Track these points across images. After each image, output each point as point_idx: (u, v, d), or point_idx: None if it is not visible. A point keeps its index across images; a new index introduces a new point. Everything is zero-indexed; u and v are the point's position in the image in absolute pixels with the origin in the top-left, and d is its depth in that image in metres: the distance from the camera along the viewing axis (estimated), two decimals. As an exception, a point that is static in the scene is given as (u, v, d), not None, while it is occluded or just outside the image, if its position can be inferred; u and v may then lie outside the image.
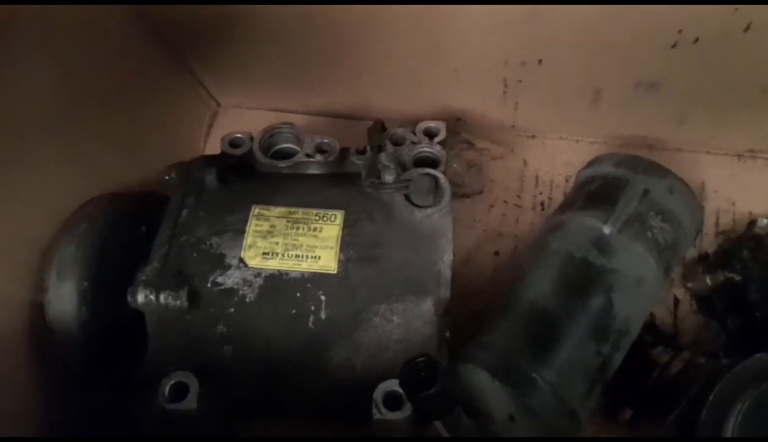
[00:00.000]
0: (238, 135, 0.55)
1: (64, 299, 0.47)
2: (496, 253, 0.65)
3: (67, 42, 0.50)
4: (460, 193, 0.63)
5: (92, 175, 0.54)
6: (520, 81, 0.61)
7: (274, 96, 0.73)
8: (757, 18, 0.48)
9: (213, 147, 0.72)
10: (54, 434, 0.49)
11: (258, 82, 0.71)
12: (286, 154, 0.54)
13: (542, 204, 0.67)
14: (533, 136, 0.70)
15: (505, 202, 0.67)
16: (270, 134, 0.54)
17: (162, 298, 0.44)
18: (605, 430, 0.55)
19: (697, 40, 0.51)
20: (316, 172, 0.53)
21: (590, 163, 0.58)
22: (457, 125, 0.67)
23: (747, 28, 0.49)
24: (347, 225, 0.47)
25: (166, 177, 0.51)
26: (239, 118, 0.74)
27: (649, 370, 0.54)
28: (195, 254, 0.46)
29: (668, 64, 0.54)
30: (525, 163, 0.69)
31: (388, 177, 0.48)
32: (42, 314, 0.48)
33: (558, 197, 0.66)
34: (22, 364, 0.49)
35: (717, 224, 0.64)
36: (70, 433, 0.50)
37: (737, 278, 0.58)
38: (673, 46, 0.52)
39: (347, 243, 0.46)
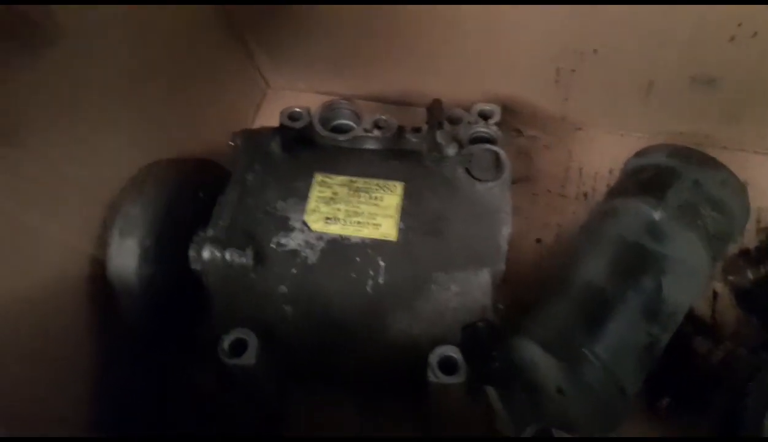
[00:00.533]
0: (297, 109, 0.56)
1: (125, 255, 0.49)
2: (538, 240, 0.66)
3: (144, 17, 0.52)
4: (509, 181, 0.64)
5: (156, 139, 0.56)
6: (573, 70, 0.62)
7: (324, 79, 0.75)
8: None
9: (261, 124, 0.74)
10: (110, 383, 0.51)
11: (309, 64, 0.73)
12: (344, 129, 0.55)
13: (585, 195, 0.68)
14: (580, 129, 0.71)
15: (549, 191, 0.68)
16: (330, 109, 0.56)
17: (228, 255, 0.46)
18: (643, 418, 0.56)
19: (755, 34, 0.52)
20: (373, 147, 0.54)
21: (640, 153, 0.59)
22: (508, 115, 0.68)
23: (806, 24, 0.50)
24: (407, 196, 0.48)
25: (232, 143, 0.52)
26: (288, 99, 0.75)
27: (689, 359, 0.55)
28: (260, 216, 0.47)
29: (726, 58, 0.55)
30: (570, 154, 0.70)
31: (451, 151, 0.49)
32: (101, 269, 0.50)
33: (601, 189, 0.67)
34: (82, 315, 0.50)
35: (759, 221, 0.65)
36: (122, 390, 0.51)
37: (780, 272, 0.58)
38: (731, 39, 0.53)
39: (408, 213, 0.48)
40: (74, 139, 0.47)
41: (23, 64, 0.43)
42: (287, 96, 0.76)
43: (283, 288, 0.46)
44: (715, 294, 0.62)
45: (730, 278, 0.62)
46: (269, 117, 0.74)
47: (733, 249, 0.63)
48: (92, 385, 0.51)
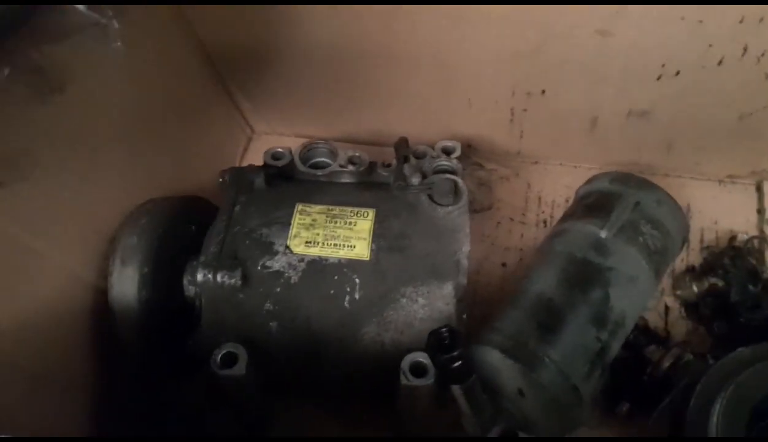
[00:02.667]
0: (279, 149, 0.62)
1: (126, 282, 0.54)
2: (503, 264, 0.72)
3: (140, 69, 0.58)
4: (471, 209, 0.70)
5: (150, 179, 0.62)
6: (525, 110, 0.69)
7: (303, 124, 0.82)
8: (727, 53, 0.56)
9: (247, 167, 0.80)
10: (109, 406, 0.55)
11: (289, 111, 0.80)
12: (322, 166, 0.62)
13: (545, 221, 0.74)
14: (536, 162, 0.78)
15: (511, 219, 0.75)
16: (308, 148, 0.62)
17: (219, 277, 0.51)
18: (605, 423, 0.61)
19: (678, 73, 0.60)
20: (348, 181, 0.61)
21: (588, 181, 0.66)
22: (468, 150, 0.75)
23: (720, 62, 0.58)
24: (378, 220, 0.54)
25: (221, 179, 0.58)
26: (271, 143, 0.82)
27: (643, 366, 0.60)
28: (247, 242, 0.53)
29: (655, 94, 0.63)
30: (529, 185, 0.77)
31: (414, 180, 0.55)
32: (102, 296, 0.55)
33: (558, 215, 0.73)
34: (82, 338, 0.54)
35: (702, 241, 0.72)
36: (124, 405, 0.56)
37: (721, 283, 0.65)
38: (658, 78, 0.61)
39: (378, 235, 0.53)
40: (77, 175, 0.53)
41: (35, 107, 0.48)
42: (270, 140, 0.83)
43: (268, 305, 0.51)
44: (666, 308, 0.68)
45: (679, 292, 0.68)
46: (254, 160, 0.79)
47: (680, 266, 0.70)
48: (91, 405, 0.55)
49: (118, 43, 0.37)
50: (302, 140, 0.81)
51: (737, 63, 0.57)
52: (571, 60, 0.61)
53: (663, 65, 0.60)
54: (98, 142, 0.55)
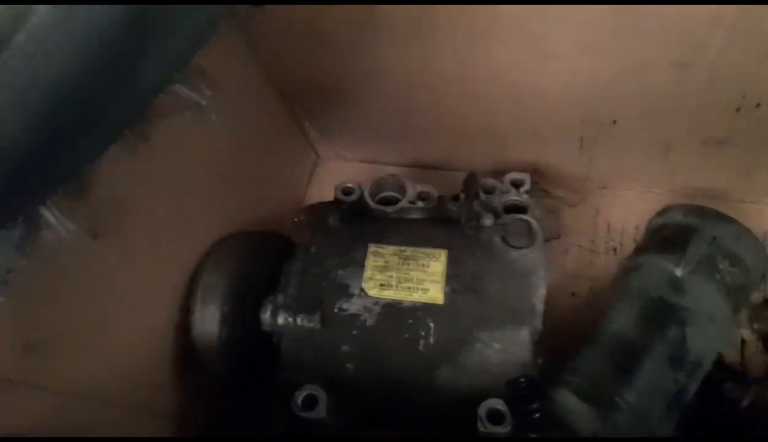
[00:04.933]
0: (349, 184, 0.63)
1: (208, 321, 0.56)
2: (573, 294, 0.72)
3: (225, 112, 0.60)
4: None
5: (226, 214, 0.64)
6: (595, 138, 0.68)
7: (367, 149, 0.83)
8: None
9: (313, 192, 0.82)
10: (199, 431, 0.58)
11: (355, 137, 0.81)
12: (391, 201, 0.62)
13: (614, 249, 0.73)
14: (605, 187, 0.77)
15: (580, 246, 0.74)
16: (378, 184, 0.63)
17: (299, 320, 0.53)
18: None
19: (758, 105, 0.58)
20: (417, 216, 0.61)
21: (661, 213, 0.65)
22: (535, 175, 0.75)
23: (804, 96, 0.55)
24: (451, 261, 0.55)
25: (296, 219, 0.60)
26: (336, 168, 0.84)
27: (720, 404, 0.59)
28: (324, 284, 0.54)
29: (734, 125, 0.61)
30: (597, 211, 0.76)
31: (487, 221, 0.55)
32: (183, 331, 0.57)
33: (628, 243, 0.73)
34: (170, 371, 0.58)
35: (780, 270, 0.69)
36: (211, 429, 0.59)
37: (801, 318, 0.63)
38: (738, 109, 0.59)
39: (452, 277, 0.54)
40: (164, 219, 0.55)
41: (123, 156, 0.51)
42: (335, 165, 0.84)
43: (345, 347, 0.53)
44: (743, 341, 0.66)
45: (756, 325, 0.66)
46: (320, 185, 0.83)
47: (757, 298, 0.68)
48: (177, 431, 0.58)
49: (213, 116, 0.38)
50: (366, 165, 0.83)
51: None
52: (645, 91, 0.60)
53: (744, 97, 0.58)
54: (182, 186, 0.57)
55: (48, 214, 0.30)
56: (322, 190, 0.80)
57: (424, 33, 0.58)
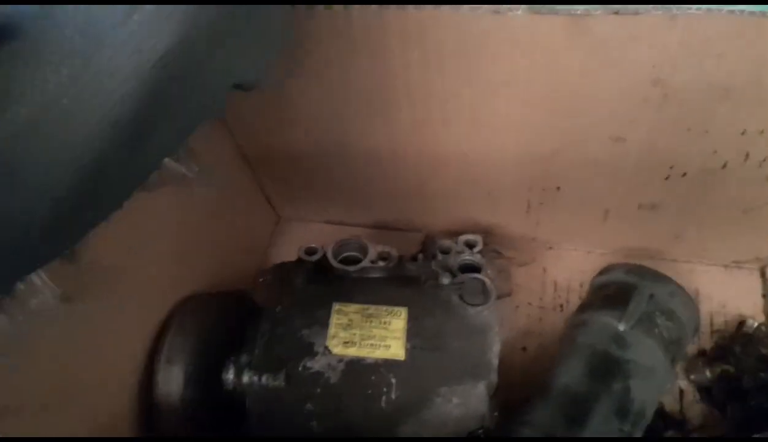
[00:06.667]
0: (312, 245, 0.66)
1: (172, 380, 0.57)
2: (524, 349, 0.75)
3: (208, 181, 0.62)
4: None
5: (191, 275, 0.65)
6: (541, 203, 0.73)
7: (327, 210, 0.86)
8: (731, 158, 0.61)
9: (273, 253, 0.84)
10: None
11: (316, 199, 0.84)
12: (353, 260, 0.65)
13: (561, 306, 0.78)
14: (551, 248, 0.82)
15: (529, 303, 0.78)
16: (340, 245, 0.66)
17: (264, 379, 0.54)
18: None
19: (685, 174, 0.64)
20: (378, 275, 0.64)
21: (603, 271, 0.70)
22: (487, 237, 0.79)
23: (724, 166, 0.62)
24: (411, 318, 0.57)
25: (261, 279, 0.61)
26: (296, 228, 0.87)
27: (663, 452, 0.63)
28: (290, 343, 0.56)
29: (664, 191, 0.67)
30: (544, 270, 0.80)
31: (445, 280, 0.59)
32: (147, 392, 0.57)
33: (574, 300, 0.77)
34: (138, 432, 0.57)
35: (712, 324, 0.75)
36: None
37: (732, 370, 0.68)
38: (667, 178, 0.65)
39: (412, 334, 0.56)
40: (130, 283, 0.56)
41: (100, 229, 0.52)
42: (296, 227, 0.87)
43: (309, 406, 0.54)
44: (681, 391, 0.71)
45: (692, 376, 0.71)
46: (281, 244, 0.85)
47: (692, 350, 0.73)
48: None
49: (195, 189, 0.40)
50: (325, 226, 0.86)
51: (740, 167, 0.61)
52: (585, 162, 0.65)
53: (671, 167, 0.64)
54: (150, 250, 0.59)
55: (36, 279, 0.31)
56: (283, 250, 0.82)
57: (385, 111, 0.63)
